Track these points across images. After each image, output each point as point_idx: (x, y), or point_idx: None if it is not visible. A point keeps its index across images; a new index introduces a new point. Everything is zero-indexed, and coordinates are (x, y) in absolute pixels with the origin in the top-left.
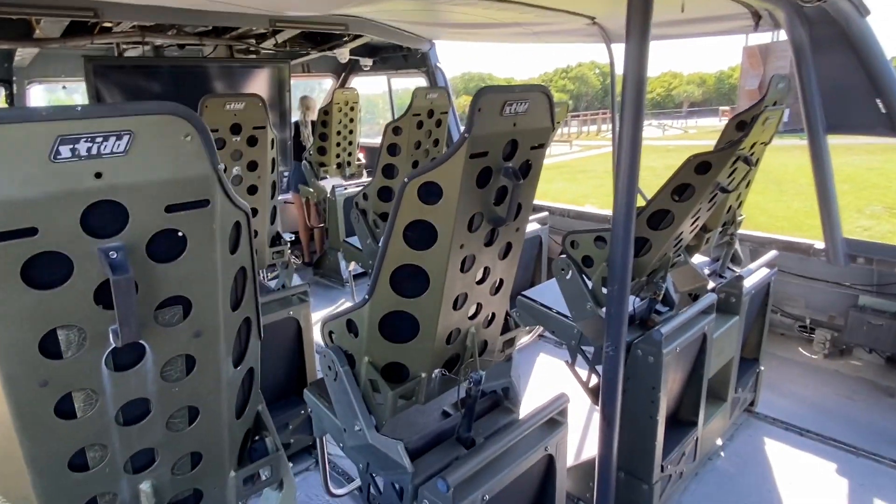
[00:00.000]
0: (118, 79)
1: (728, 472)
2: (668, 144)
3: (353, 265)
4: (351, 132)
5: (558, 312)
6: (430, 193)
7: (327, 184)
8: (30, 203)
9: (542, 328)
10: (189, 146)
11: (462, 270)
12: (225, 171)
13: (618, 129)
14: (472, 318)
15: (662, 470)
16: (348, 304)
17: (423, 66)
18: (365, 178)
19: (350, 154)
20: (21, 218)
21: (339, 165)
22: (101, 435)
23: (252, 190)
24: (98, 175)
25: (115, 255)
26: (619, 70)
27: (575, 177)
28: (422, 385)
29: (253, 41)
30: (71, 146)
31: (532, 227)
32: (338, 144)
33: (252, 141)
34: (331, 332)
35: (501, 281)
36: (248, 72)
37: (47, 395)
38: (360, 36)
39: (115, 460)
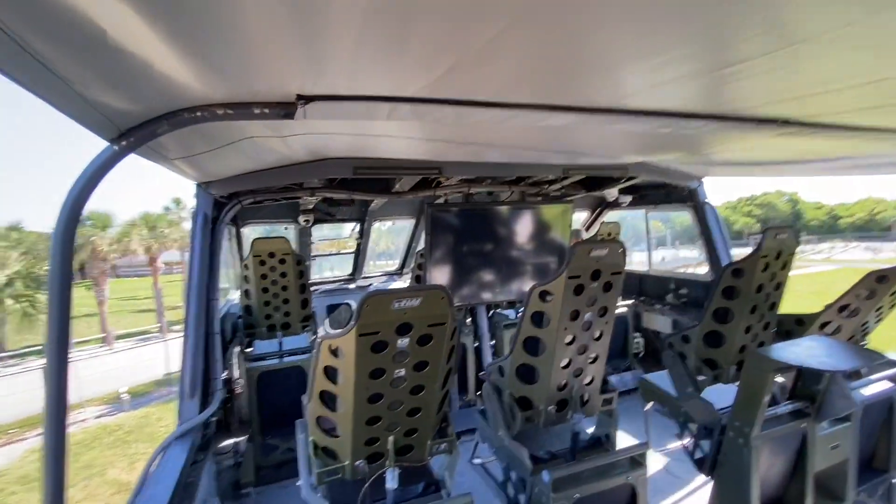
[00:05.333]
0: (443, 217)
1: None
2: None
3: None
4: None
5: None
6: (546, 295)
7: None
8: None
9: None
10: None
11: (567, 344)
12: None
13: None
14: (577, 377)
15: None
16: None
17: (689, 201)
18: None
19: None
20: None
21: None
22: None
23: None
24: None
25: None
26: None
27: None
28: (540, 413)
29: (545, 185)
30: None
31: None
32: None
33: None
34: (490, 373)
35: (597, 356)
36: (534, 212)
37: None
38: (633, 177)
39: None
